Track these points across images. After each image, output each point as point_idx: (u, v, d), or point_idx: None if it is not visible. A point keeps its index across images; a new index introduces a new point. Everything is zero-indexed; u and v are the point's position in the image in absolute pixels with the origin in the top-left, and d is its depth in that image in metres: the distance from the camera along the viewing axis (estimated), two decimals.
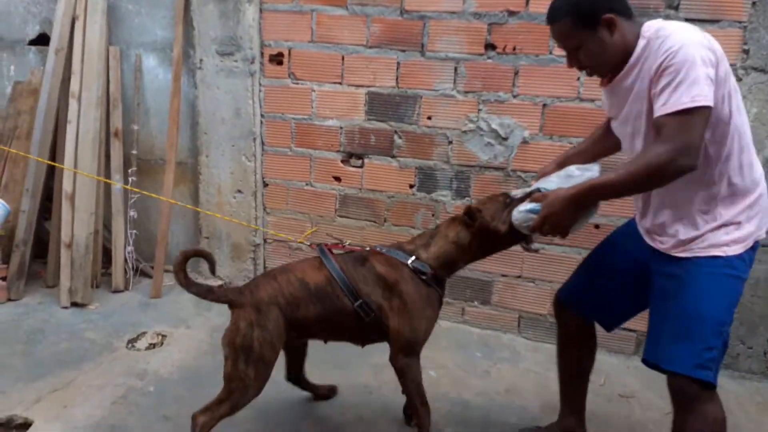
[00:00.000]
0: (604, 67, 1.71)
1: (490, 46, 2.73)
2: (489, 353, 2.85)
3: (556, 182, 1.79)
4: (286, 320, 1.94)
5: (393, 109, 2.95)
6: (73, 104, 3.21)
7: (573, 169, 1.80)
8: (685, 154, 1.50)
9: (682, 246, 1.70)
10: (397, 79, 2.91)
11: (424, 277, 1.95)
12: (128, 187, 3.27)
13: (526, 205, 1.79)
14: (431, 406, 2.02)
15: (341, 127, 3.07)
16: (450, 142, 2.89)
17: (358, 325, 1.97)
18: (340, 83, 3.01)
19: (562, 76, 2.64)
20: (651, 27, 1.62)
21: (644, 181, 1.58)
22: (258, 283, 2.01)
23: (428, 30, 2.80)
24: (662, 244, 1.75)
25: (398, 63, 2.89)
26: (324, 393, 2.41)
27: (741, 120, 1.66)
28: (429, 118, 2.89)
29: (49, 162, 3.19)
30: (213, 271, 2.07)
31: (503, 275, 2.96)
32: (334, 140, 3.09)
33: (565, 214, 1.68)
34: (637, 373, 2.70)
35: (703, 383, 1.63)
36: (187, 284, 1.96)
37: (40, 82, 3.32)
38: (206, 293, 1.98)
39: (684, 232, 1.69)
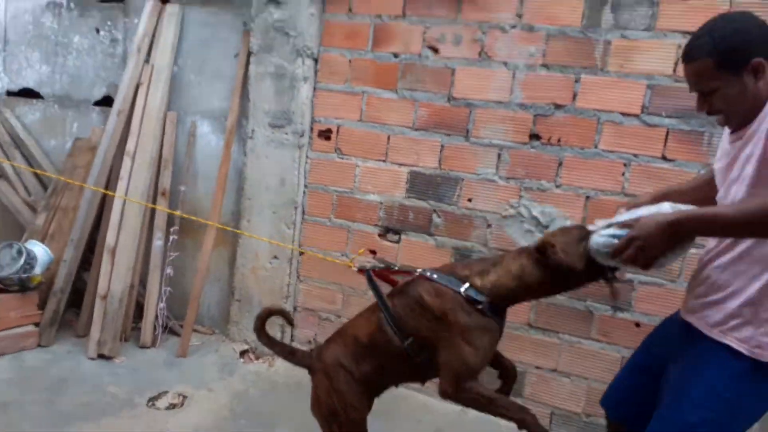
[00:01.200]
0: (738, 115, 1.55)
1: (534, 136, 2.79)
2: None
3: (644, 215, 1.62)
4: (354, 379, 1.89)
5: (434, 188, 3.00)
6: (126, 162, 3.36)
7: (666, 206, 1.58)
8: None
9: (717, 325, 1.59)
10: (440, 160, 2.98)
11: (479, 307, 1.74)
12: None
13: (610, 230, 1.61)
14: None
15: (381, 202, 3.12)
16: (489, 226, 2.90)
17: (411, 365, 1.85)
18: (384, 161, 3.10)
19: (607, 170, 2.66)
20: None
21: (755, 223, 1.40)
22: (324, 346, 2.00)
23: (474, 117, 2.89)
24: (699, 318, 1.65)
25: (442, 145, 2.97)
26: None
27: None
28: (469, 200, 2.93)
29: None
30: (291, 323, 2.26)
31: (537, 367, 2.86)
32: (373, 214, 3.14)
33: (657, 240, 1.48)
34: None
35: None
36: (270, 343, 2.06)
37: (99, 140, 3.50)
38: (288, 355, 2.05)
39: (727, 310, 1.57)
